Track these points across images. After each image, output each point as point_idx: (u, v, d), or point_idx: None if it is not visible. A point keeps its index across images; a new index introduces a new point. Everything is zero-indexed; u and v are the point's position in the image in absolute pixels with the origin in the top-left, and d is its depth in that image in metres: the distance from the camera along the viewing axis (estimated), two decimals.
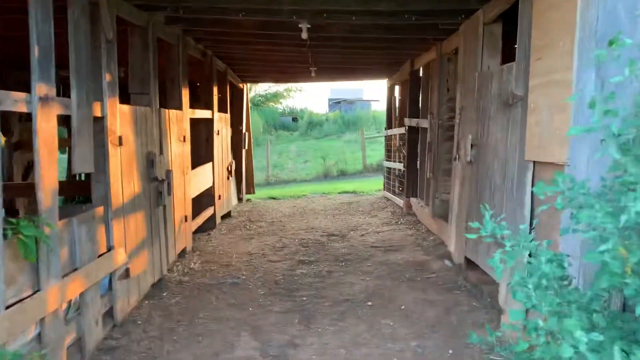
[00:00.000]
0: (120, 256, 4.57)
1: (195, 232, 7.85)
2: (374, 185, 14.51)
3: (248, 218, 9.98)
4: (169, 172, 6.01)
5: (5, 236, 2.95)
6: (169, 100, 6.91)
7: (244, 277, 6.00)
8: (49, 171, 3.41)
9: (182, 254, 6.92)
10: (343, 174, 19.59)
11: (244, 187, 12.50)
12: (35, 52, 3.22)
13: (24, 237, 3.05)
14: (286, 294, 5.45)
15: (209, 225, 8.76)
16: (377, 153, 21.32)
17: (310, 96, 63.13)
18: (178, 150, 6.62)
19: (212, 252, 7.27)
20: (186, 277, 6.02)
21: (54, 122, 3.46)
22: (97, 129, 4.41)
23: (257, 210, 11.04)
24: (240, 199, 12.16)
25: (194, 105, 8.54)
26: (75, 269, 3.83)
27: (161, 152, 5.90)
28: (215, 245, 7.66)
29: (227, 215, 9.97)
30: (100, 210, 4.32)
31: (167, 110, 6.21)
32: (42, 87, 3.30)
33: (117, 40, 4.65)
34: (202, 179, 8.21)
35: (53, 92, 3.43)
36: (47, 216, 3.36)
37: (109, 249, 4.45)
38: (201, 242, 7.88)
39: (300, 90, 37.72)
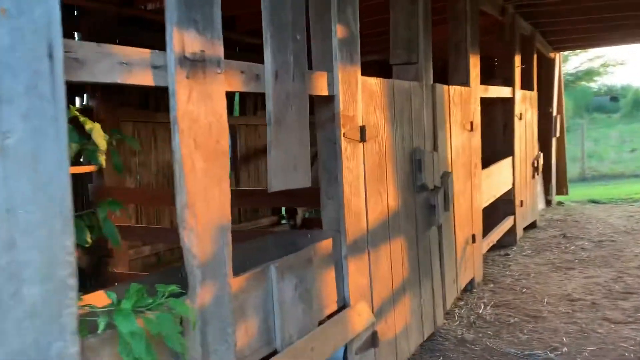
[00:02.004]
0: (361, 316, 2.89)
1: (489, 250, 5.80)
2: None
3: (561, 231, 7.38)
4: (446, 176, 4.11)
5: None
6: (450, 73, 5.01)
7: (565, 350, 3.69)
8: (208, 194, 1.89)
9: (469, 287, 4.97)
10: None
11: (554, 186, 9.76)
12: None
13: (148, 323, 1.56)
14: None
15: (506, 240, 6.58)
16: None
17: (636, 69, 52.46)
18: (461, 142, 4.67)
19: (511, 287, 5.10)
20: (470, 334, 4.04)
21: (219, 105, 1.92)
22: (322, 115, 2.80)
23: (572, 219, 8.28)
24: (548, 202, 9.50)
25: (486, 81, 6.45)
26: (274, 353, 2.27)
27: (435, 148, 4.05)
28: (515, 276, 5.46)
29: (531, 226, 7.57)
30: (325, 245, 2.70)
31: (445, 87, 4.31)
32: (189, 37, 1.78)
33: None
34: (496, 180, 6.07)
35: (218, 49, 1.90)
36: (202, 275, 1.85)
37: (342, 306, 2.81)
38: (496, 267, 5.77)
39: (621, 64, 31.41)
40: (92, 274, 5.31)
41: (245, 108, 7.37)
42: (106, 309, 1.53)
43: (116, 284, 2.24)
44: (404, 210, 3.51)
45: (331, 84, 2.71)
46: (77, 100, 5.58)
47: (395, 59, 3.90)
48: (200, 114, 1.84)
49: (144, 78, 1.68)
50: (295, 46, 2.36)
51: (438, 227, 4.08)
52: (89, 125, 1.57)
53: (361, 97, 2.96)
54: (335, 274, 2.76)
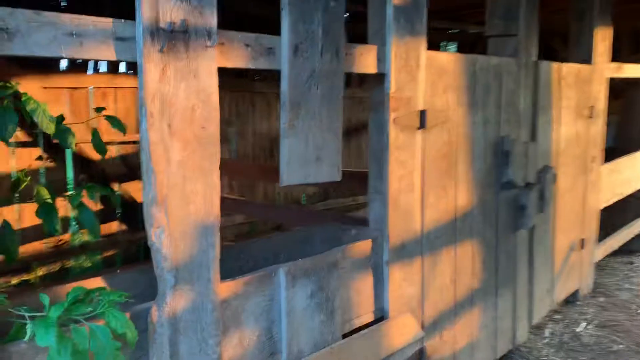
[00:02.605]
0: (403, 330, 2.50)
1: (610, 255, 5.00)
2: None
3: None
4: (546, 171, 3.48)
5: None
6: (569, 48, 4.24)
7: None
8: (187, 188, 1.63)
9: (571, 299, 4.28)
10: None
11: None
12: None
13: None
14: None
15: (634, 246, 5.62)
16: None
17: None
18: (575, 131, 3.94)
19: (626, 304, 4.31)
20: (558, 357, 3.44)
21: (208, 85, 1.64)
22: (372, 96, 2.40)
23: None
24: None
25: (630, 58, 5.47)
26: None
27: (533, 137, 3.42)
28: (635, 290, 4.62)
29: None
30: (360, 247, 2.34)
31: (554, 65, 3.62)
32: (166, 4, 1.51)
33: None
34: (626, 175, 5.14)
35: (208, 18, 1.61)
36: (175, 280, 1.62)
37: (379, 318, 2.44)
38: (614, 278, 4.94)
39: None
40: None
41: (350, 79, 7.02)
42: (37, 314, 1.36)
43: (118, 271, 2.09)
44: (481, 210, 3.00)
45: (382, 59, 2.30)
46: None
47: (491, 29, 3.32)
48: (178, 94, 1.58)
49: (103, 52, 1.44)
50: (327, 15, 1.99)
51: (530, 230, 3.49)
52: (31, 105, 1.38)
53: (425, 76, 2.50)
54: (373, 281, 2.40)
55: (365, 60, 2.23)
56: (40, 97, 4.32)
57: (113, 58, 1.46)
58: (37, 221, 4.55)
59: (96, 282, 1.98)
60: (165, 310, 1.62)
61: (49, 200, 1.73)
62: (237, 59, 1.75)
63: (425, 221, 2.60)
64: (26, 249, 4.62)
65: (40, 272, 4.74)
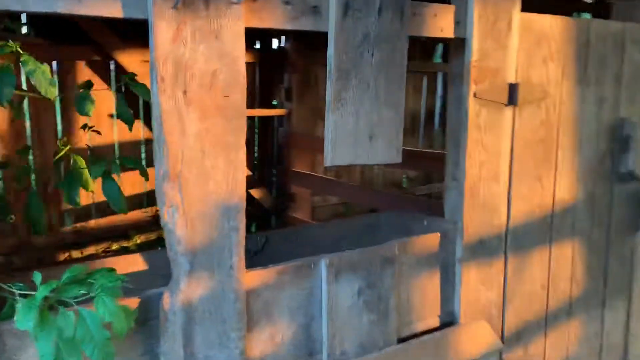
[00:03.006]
0: (476, 339, 2.16)
1: None
2: None
3: None
4: None
5: None
6: None
7: None
8: (206, 163, 1.45)
9: None
10: None
11: None
12: None
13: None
14: None
15: None
16: None
17: None
18: None
19: None
20: None
21: (234, 47, 1.44)
22: (452, 65, 2.06)
23: None
24: None
25: None
26: None
27: None
28: None
29: None
30: (427, 241, 2.03)
31: None
32: None
33: None
34: None
35: None
36: (191, 265, 1.46)
37: (447, 323, 2.12)
38: None
39: None
40: (277, 214, 5.37)
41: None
42: (30, 292, 1.26)
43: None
44: (587, 205, 2.52)
45: (462, 22, 1.94)
46: (275, 42, 5.54)
47: None
48: (196, 58, 1.39)
49: (106, 8, 1.29)
50: None
51: None
52: (30, 65, 1.26)
53: (518, 43, 2.09)
54: (440, 281, 2.09)
55: (440, 22, 1.90)
56: (140, 71, 4.44)
57: (119, 15, 1.30)
58: (137, 190, 4.71)
59: (134, 260, 1.90)
60: (179, 298, 1.47)
61: (80, 170, 1.65)
62: (273, 19, 1.52)
63: (512, 215, 2.21)
64: (126, 217, 4.83)
65: (139, 240, 4.94)
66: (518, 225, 2.25)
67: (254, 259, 2.09)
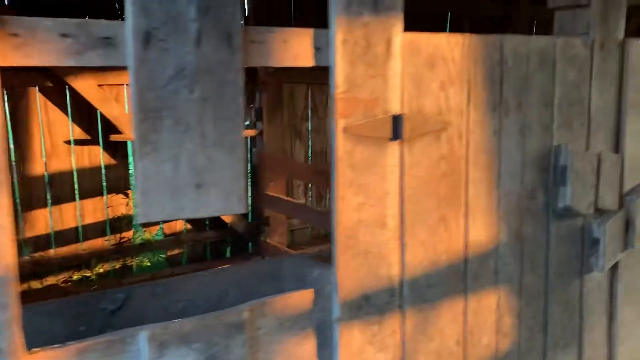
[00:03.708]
0: None
1: None
2: None
3: None
4: (638, 193, 2.50)
5: None
6: None
7: None
8: None
9: None
10: None
11: None
12: None
13: None
14: None
15: None
16: None
17: None
18: None
19: None
20: None
21: None
22: (330, 101, 1.78)
23: None
24: None
25: None
26: None
27: (617, 147, 2.48)
28: None
29: None
30: (296, 300, 1.75)
31: None
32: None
33: None
34: None
35: None
36: None
37: None
38: None
39: None
40: (252, 239, 5.16)
41: None
42: None
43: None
44: (515, 246, 2.20)
45: (322, 48, 1.68)
46: None
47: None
48: None
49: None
50: None
51: (610, 272, 2.55)
52: None
53: (402, 68, 1.81)
54: (317, 346, 1.81)
55: (294, 50, 1.64)
56: (96, 96, 4.30)
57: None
58: (99, 218, 4.51)
59: None
60: None
61: None
62: (44, 55, 1.29)
63: (407, 265, 1.92)
64: (88, 246, 4.68)
65: (101, 269, 4.78)
66: (417, 276, 1.95)
67: (110, 320, 1.86)
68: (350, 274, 1.80)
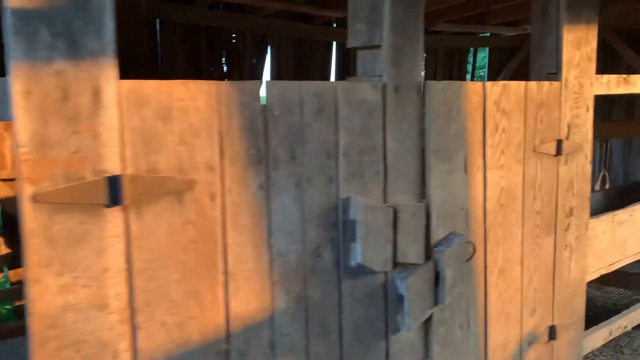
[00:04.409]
0: None
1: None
2: None
3: None
4: (449, 243, 2.34)
5: None
6: (532, 57, 3.02)
7: None
8: None
9: None
10: None
11: None
12: None
13: None
14: None
15: None
16: None
17: None
18: (519, 178, 2.72)
19: None
20: None
21: None
22: None
23: None
24: None
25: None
26: None
27: (421, 195, 2.30)
28: None
29: None
30: None
31: (468, 85, 2.46)
32: None
33: None
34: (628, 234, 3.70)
35: None
36: None
37: None
38: None
39: None
40: None
41: None
42: None
43: None
44: (296, 312, 1.95)
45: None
46: None
47: (353, 39, 2.27)
48: None
49: None
50: None
51: (424, 331, 2.36)
52: None
53: (119, 120, 1.54)
54: None
55: None
56: None
57: None
58: None
59: None
60: None
61: None
62: None
63: (141, 350, 1.62)
64: None
65: None
66: None
67: None
68: None
